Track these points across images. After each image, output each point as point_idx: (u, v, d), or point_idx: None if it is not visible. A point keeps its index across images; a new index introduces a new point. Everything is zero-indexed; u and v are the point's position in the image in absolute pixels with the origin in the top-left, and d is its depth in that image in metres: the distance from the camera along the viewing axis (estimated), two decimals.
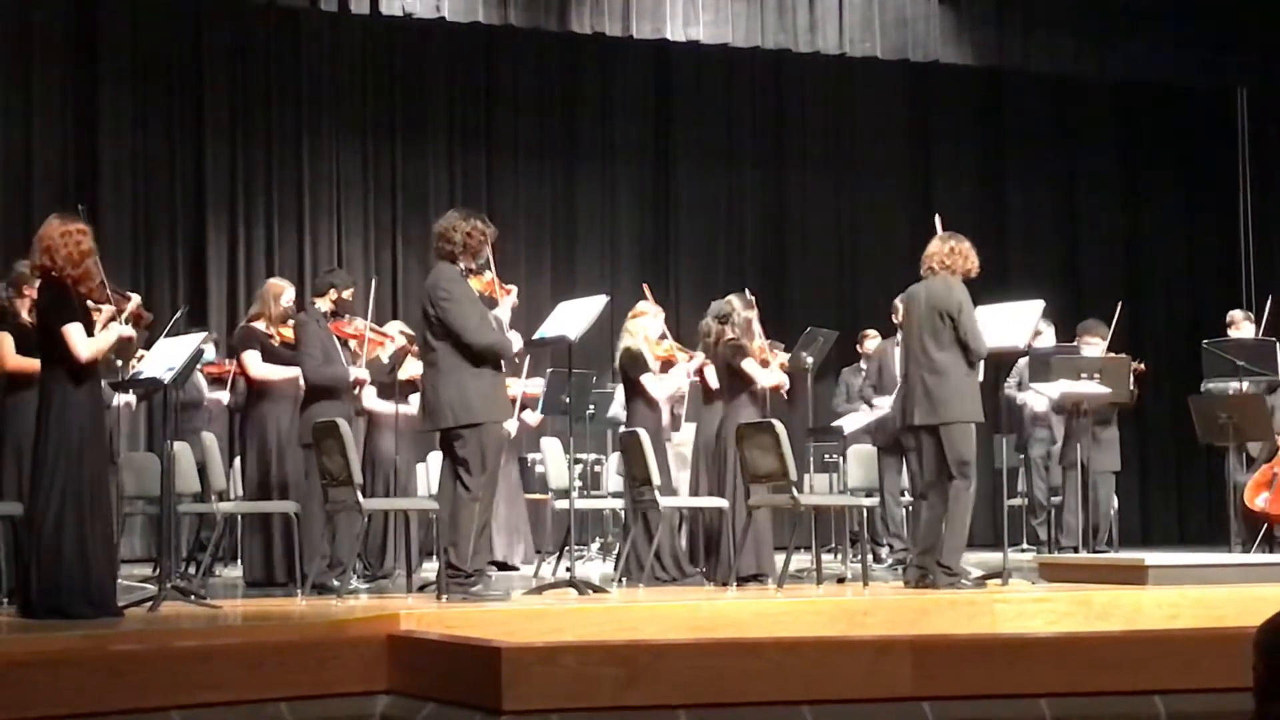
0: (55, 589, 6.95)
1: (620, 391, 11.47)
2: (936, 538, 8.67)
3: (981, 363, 9.16)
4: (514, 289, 8.58)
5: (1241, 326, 12.00)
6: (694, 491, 9.65)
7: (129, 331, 7.67)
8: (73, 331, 7.05)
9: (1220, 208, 16.55)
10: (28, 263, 8.11)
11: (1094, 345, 11.53)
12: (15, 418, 8.03)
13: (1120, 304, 11.69)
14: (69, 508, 7.00)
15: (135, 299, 8.33)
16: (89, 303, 7.33)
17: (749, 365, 9.37)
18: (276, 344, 9.45)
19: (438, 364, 8.01)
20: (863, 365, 12.14)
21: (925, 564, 8.68)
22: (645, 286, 10.53)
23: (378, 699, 5.94)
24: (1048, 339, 11.79)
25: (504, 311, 8.34)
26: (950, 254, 8.82)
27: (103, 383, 7.66)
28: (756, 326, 9.58)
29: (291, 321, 9.54)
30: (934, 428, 8.69)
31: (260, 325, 9.55)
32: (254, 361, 9.49)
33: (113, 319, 7.56)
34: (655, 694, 5.43)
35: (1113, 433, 11.64)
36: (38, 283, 7.38)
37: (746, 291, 9.88)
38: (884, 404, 10.79)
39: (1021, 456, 12.46)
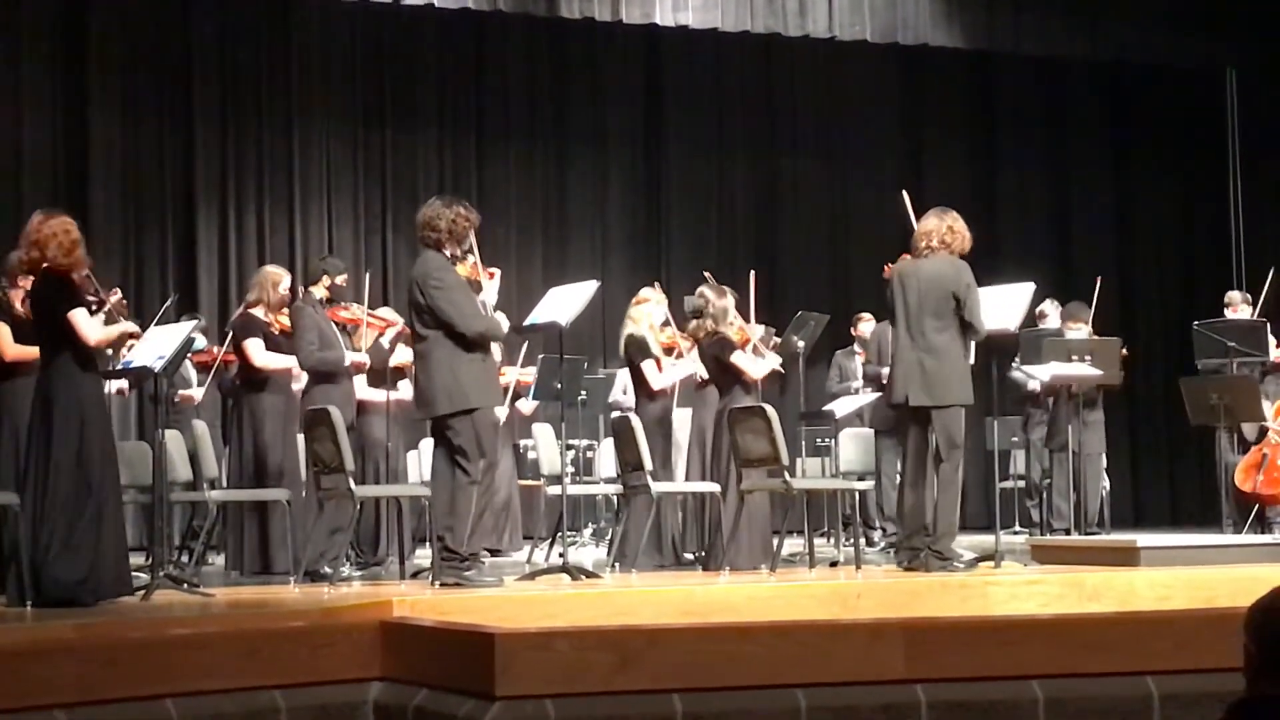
0: (70, 577, 6.98)
1: (619, 377, 11.50)
2: (923, 520, 8.67)
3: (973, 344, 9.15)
4: (497, 271, 8.57)
5: (1239, 309, 12.00)
6: (688, 478, 9.65)
7: (134, 328, 7.72)
8: (79, 316, 7.13)
9: (1211, 188, 16.56)
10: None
11: (1078, 330, 11.54)
12: (10, 406, 8.03)
13: (1099, 279, 11.66)
14: (79, 496, 7.04)
15: (117, 294, 8.35)
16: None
17: (739, 359, 9.35)
18: (276, 332, 9.47)
19: (429, 352, 8.00)
20: (857, 349, 12.14)
21: (915, 545, 8.68)
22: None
23: (371, 685, 5.95)
24: (1053, 320, 11.81)
25: (490, 295, 8.33)
26: (949, 232, 8.72)
27: None
28: (733, 312, 9.55)
29: (286, 309, 9.54)
30: (926, 410, 8.67)
31: (259, 312, 9.54)
32: (257, 350, 9.41)
33: (100, 307, 7.58)
34: (649, 678, 5.43)
35: (1098, 415, 11.65)
36: (32, 277, 7.40)
37: (735, 280, 9.86)
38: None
39: (1015, 439, 12.47)
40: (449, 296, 7.94)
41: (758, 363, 9.49)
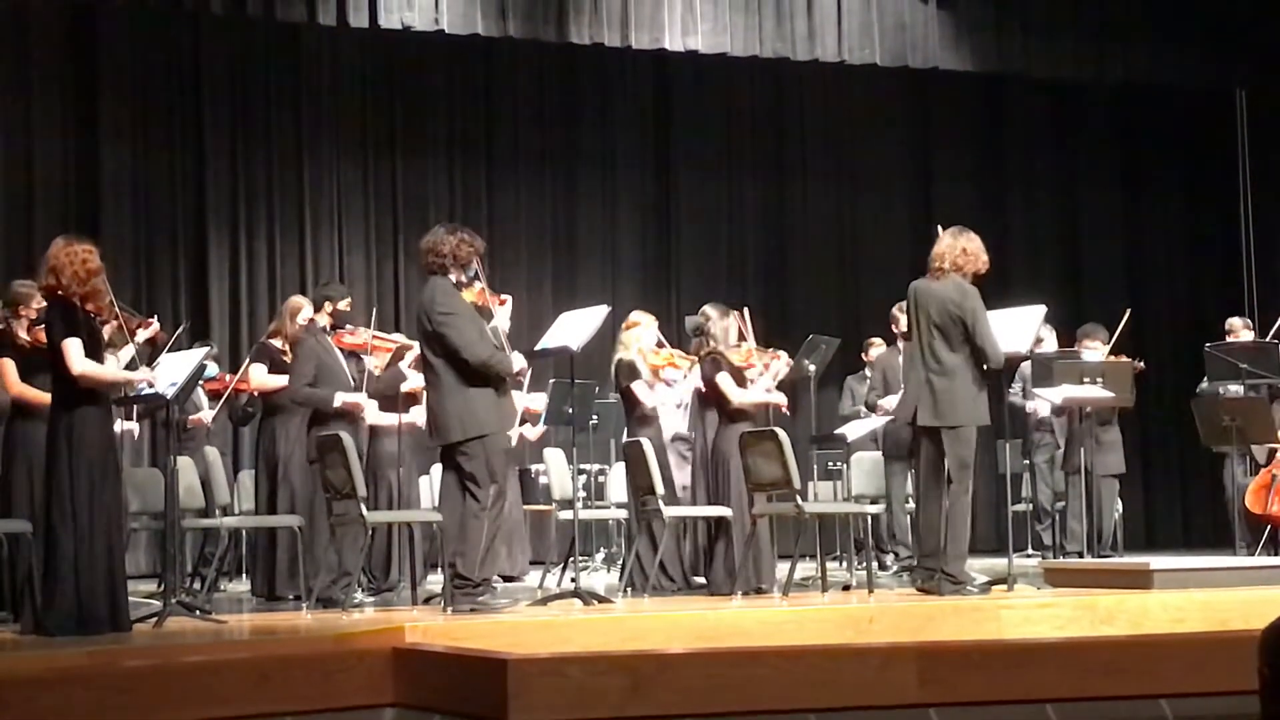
0: (69, 606, 6.98)
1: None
2: (939, 540, 8.66)
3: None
4: (509, 299, 8.58)
5: (1240, 335, 11.98)
6: (693, 501, 9.64)
7: (141, 376, 7.69)
8: (70, 346, 7.09)
9: (1221, 210, 16.55)
10: (26, 283, 8.15)
11: (1094, 350, 11.52)
12: (27, 436, 8.04)
13: (1129, 310, 11.63)
14: (82, 525, 7.03)
15: (154, 325, 8.34)
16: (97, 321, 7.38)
17: (723, 381, 9.31)
18: (288, 360, 9.53)
19: (440, 380, 8.02)
20: (868, 373, 12.12)
21: (931, 565, 8.68)
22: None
23: (384, 712, 5.96)
24: (1049, 345, 11.78)
25: (503, 320, 8.34)
26: (963, 254, 8.77)
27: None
28: (734, 334, 9.53)
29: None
30: (936, 430, 8.67)
31: (276, 342, 9.69)
32: (258, 374, 9.69)
33: (119, 336, 7.59)
34: (661, 703, 5.43)
35: (1114, 435, 11.63)
36: (43, 303, 7.42)
37: (744, 310, 9.84)
38: (890, 404, 10.78)
39: (1026, 462, 12.45)
40: (453, 323, 7.96)
41: (743, 392, 9.42)
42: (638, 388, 9.81)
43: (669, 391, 10.02)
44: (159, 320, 9.55)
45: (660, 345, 10.11)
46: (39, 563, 7.16)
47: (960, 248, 8.78)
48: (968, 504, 8.68)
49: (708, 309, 9.56)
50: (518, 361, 8.37)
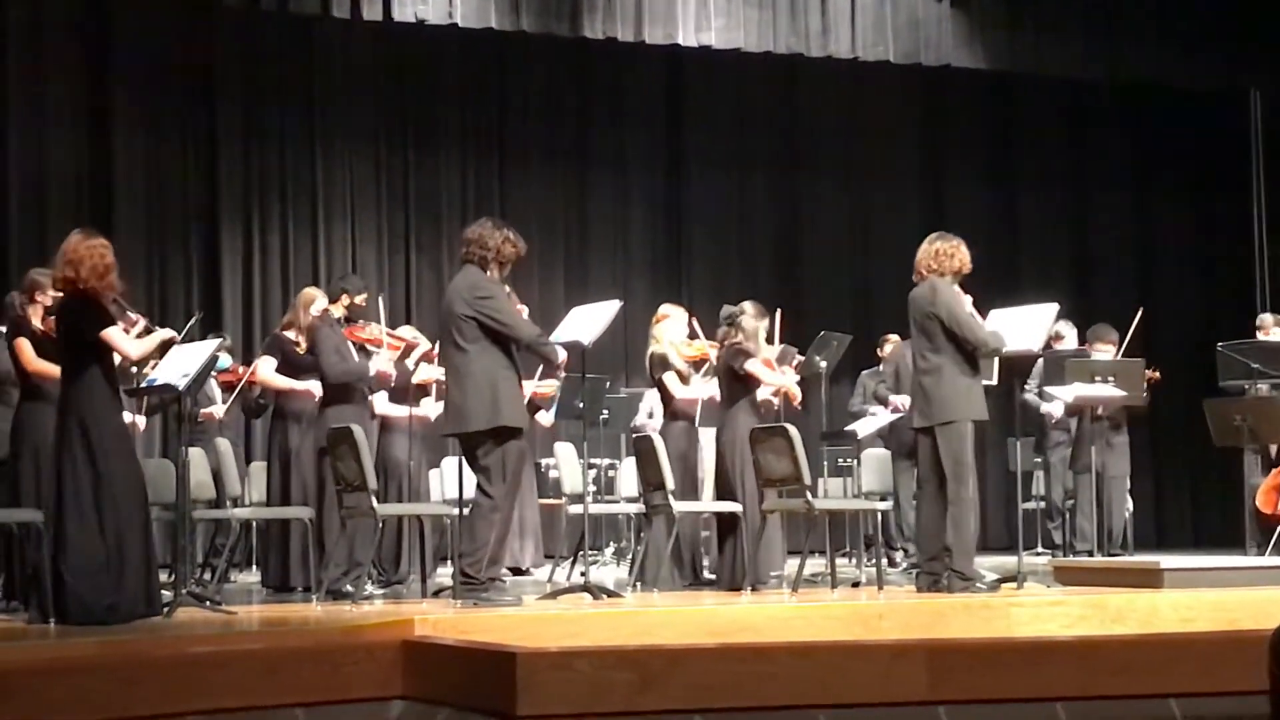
0: (96, 599, 7.01)
1: (644, 400, 11.54)
2: (939, 542, 8.65)
3: (995, 364, 9.13)
4: (524, 308, 8.58)
5: (1271, 331, 11.94)
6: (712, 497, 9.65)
7: (170, 333, 7.81)
8: (115, 334, 7.25)
9: (1233, 209, 16.52)
10: (44, 271, 8.16)
11: (1104, 351, 11.49)
12: (33, 426, 8.05)
13: (1140, 309, 11.61)
14: (106, 517, 7.07)
15: (142, 321, 8.38)
16: None
17: (753, 366, 9.34)
18: (301, 352, 9.52)
19: (467, 367, 7.97)
20: (881, 369, 12.13)
21: (934, 569, 8.66)
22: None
23: (392, 704, 5.96)
24: (1070, 342, 11.78)
25: None
26: (936, 256, 8.77)
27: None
28: (763, 338, 9.55)
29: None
30: (929, 431, 8.68)
31: (290, 334, 9.68)
32: (266, 369, 9.69)
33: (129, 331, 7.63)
34: (670, 699, 5.43)
35: (1123, 438, 11.61)
36: (60, 295, 7.48)
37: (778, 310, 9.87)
38: (901, 402, 10.79)
39: (1039, 460, 12.43)
40: (498, 305, 7.99)
41: (773, 373, 9.50)
42: (669, 379, 9.80)
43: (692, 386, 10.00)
44: (170, 312, 9.57)
45: (694, 337, 10.10)
46: (50, 552, 7.16)
47: (934, 250, 8.80)
48: (969, 502, 8.65)
49: (747, 305, 9.58)
50: (561, 354, 8.40)
